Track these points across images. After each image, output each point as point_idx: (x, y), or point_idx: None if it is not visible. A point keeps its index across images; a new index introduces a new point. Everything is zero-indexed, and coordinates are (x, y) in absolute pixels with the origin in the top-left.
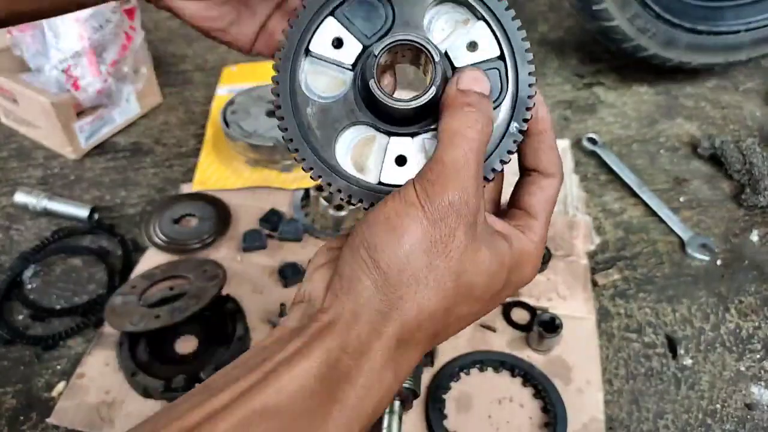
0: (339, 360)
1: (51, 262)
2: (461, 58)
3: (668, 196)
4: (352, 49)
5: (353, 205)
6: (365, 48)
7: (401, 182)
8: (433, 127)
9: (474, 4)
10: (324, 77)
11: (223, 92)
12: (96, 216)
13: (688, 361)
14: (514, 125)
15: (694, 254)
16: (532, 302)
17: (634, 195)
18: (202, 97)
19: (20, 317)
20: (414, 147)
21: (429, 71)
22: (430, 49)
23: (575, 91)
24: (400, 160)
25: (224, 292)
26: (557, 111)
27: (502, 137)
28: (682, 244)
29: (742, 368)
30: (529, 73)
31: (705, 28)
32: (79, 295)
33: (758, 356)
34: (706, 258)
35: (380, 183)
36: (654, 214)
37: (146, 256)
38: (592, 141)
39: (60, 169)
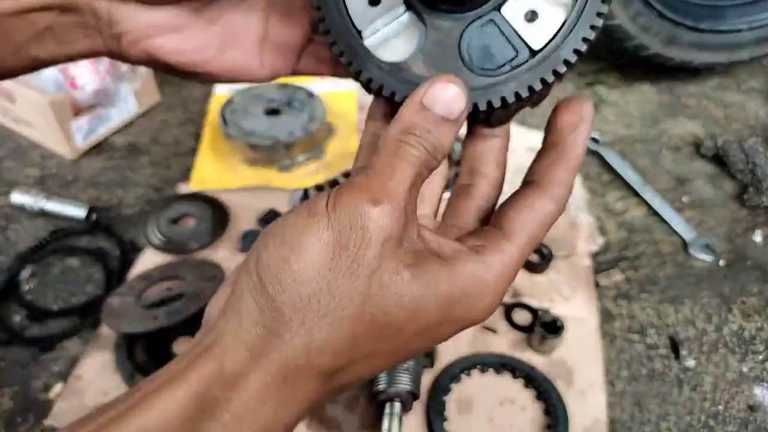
0: (208, 390)
1: (48, 263)
2: None
3: (671, 195)
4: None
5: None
6: None
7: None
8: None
9: None
10: (392, 44)
11: (221, 91)
12: (93, 216)
13: (690, 363)
14: None
15: (697, 255)
16: (533, 303)
17: (637, 195)
18: (200, 96)
19: (17, 318)
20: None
21: None
22: None
23: (577, 90)
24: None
25: None
26: None
27: (581, 13)
28: (685, 245)
29: (745, 369)
30: None
31: (707, 26)
32: (76, 295)
33: (761, 357)
34: (709, 258)
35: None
36: (656, 214)
37: (144, 256)
38: (595, 140)
39: (57, 168)
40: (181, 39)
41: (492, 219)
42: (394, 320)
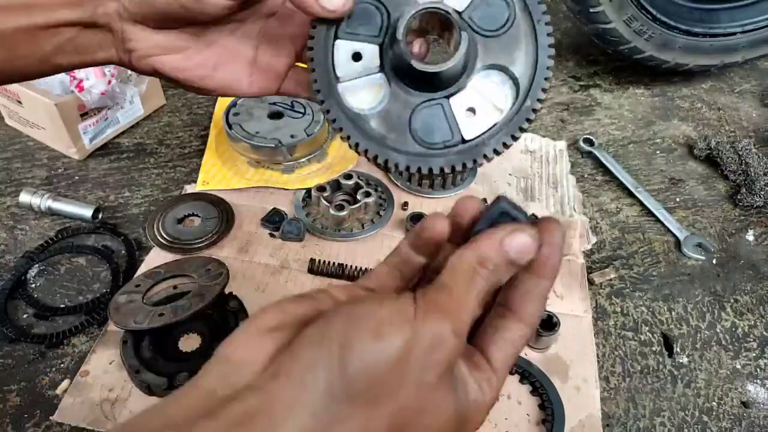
0: None
1: (55, 261)
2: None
3: (664, 196)
4: (371, 55)
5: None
6: (381, 46)
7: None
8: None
9: None
10: (359, 95)
11: None
12: (100, 216)
13: (684, 360)
14: (529, 101)
15: (690, 253)
16: None
17: (631, 195)
18: (204, 100)
19: (25, 316)
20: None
21: (452, 38)
22: (451, 14)
23: (572, 93)
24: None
25: (227, 290)
26: (554, 113)
27: (508, 123)
28: (678, 244)
29: (738, 366)
30: (549, 45)
31: (701, 30)
32: (83, 293)
33: (754, 354)
34: (702, 257)
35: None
36: (650, 214)
37: (150, 255)
38: (589, 142)
39: (64, 169)
40: (181, 58)
41: (475, 336)
42: (430, 426)
